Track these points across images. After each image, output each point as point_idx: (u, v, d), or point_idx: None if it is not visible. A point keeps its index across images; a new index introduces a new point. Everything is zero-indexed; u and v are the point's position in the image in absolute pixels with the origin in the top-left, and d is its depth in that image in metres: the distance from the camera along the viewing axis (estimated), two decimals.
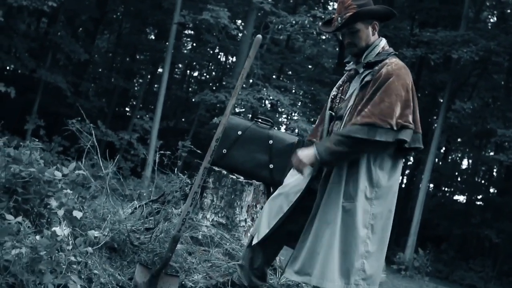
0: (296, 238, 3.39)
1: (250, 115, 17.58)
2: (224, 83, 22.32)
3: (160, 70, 24.25)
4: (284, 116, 24.85)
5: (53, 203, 3.26)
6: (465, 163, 29.17)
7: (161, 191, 4.57)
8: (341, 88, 3.36)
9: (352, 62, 3.35)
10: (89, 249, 2.91)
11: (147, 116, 19.99)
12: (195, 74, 30.31)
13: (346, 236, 3.05)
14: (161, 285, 3.20)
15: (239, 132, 4.22)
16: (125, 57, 25.53)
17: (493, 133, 18.78)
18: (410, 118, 3.08)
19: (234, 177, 4.18)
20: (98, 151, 4.43)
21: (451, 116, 18.71)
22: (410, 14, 22.59)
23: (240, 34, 19.37)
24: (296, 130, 18.53)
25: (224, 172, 4.19)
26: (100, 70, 25.11)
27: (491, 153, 25.03)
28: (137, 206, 4.37)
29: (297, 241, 3.40)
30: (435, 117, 22.55)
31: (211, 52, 27.18)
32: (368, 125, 2.98)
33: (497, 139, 18.51)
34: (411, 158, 24.16)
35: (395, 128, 3.01)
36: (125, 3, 22.48)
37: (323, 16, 17.53)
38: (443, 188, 27.89)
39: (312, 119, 21.35)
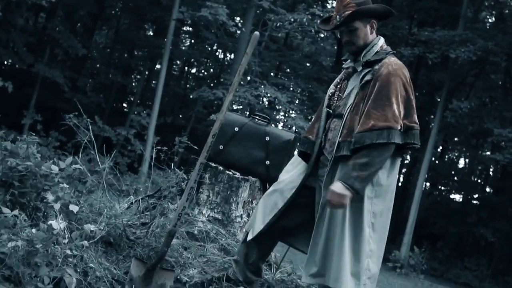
0: (290, 234, 3.41)
1: (247, 112, 17.58)
2: (222, 80, 22.32)
3: (158, 66, 24.25)
4: (282, 113, 24.88)
5: (50, 197, 3.27)
6: (461, 162, 29.27)
7: (157, 186, 4.59)
8: (338, 86, 3.36)
9: (349, 60, 3.36)
10: (85, 242, 2.92)
11: (144, 112, 20.00)
12: (193, 70, 30.32)
13: (354, 236, 3.07)
14: (156, 279, 3.22)
15: (236, 129, 4.24)
16: (123, 53, 25.51)
17: (490, 132, 18.83)
18: (415, 117, 3.12)
19: (230, 173, 4.20)
20: (95, 146, 4.44)
21: (448, 115, 18.75)
22: (409, 13, 22.62)
23: (238, 31, 19.37)
24: (294, 128, 18.55)
25: (221, 168, 4.21)
26: (98, 65, 25.08)
27: (488, 153, 25.09)
28: (133, 201, 4.38)
29: (291, 236, 3.42)
30: (432, 116, 22.57)
31: (209, 49, 27.17)
32: (387, 129, 2.99)
33: (494, 138, 18.56)
34: (408, 157, 24.21)
35: (403, 129, 3.06)
36: None
37: (321, 14, 17.54)
38: (440, 187, 27.96)
39: (310, 117, 21.37)
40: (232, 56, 23.16)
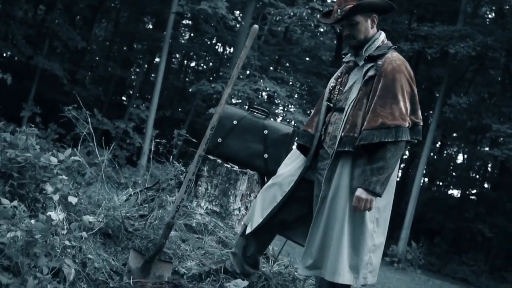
0: (288, 227, 3.43)
1: (246, 106, 17.59)
2: (221, 73, 22.31)
3: (157, 59, 24.22)
4: (281, 107, 24.88)
5: (49, 188, 3.28)
6: (460, 158, 29.29)
7: (156, 179, 4.60)
8: (339, 80, 3.36)
9: (350, 54, 3.36)
10: (84, 234, 2.93)
11: (143, 105, 19.99)
12: (192, 64, 30.29)
13: (354, 231, 3.08)
14: (154, 270, 3.24)
15: (235, 122, 4.25)
16: (122, 46, 25.48)
17: (488, 128, 18.86)
18: (420, 113, 3.15)
19: (228, 166, 4.21)
20: (94, 138, 4.46)
21: (446, 110, 18.76)
22: (409, 8, 22.59)
23: (238, 25, 19.34)
24: (293, 122, 18.56)
25: (219, 161, 4.23)
26: (97, 58, 25.05)
27: (486, 148, 25.13)
28: (132, 193, 4.40)
29: (290, 229, 3.44)
30: (431, 112, 22.59)
31: (209, 42, 27.14)
32: (395, 127, 3.00)
33: (492, 134, 18.60)
34: (407, 152, 24.23)
35: (410, 125, 3.08)
36: None
37: (321, 8, 17.52)
38: (438, 182, 28.01)
39: (309, 111, 21.36)
40: (232, 50, 23.13)
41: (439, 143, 27.00)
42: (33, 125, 4.02)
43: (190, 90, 23.65)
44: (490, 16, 24.16)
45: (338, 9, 3.20)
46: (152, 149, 4.61)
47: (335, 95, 3.32)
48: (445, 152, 29.10)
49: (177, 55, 28.46)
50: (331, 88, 3.37)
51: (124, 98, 27.18)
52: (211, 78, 23.91)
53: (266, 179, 4.31)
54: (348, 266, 3.08)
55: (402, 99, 3.06)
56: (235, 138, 4.23)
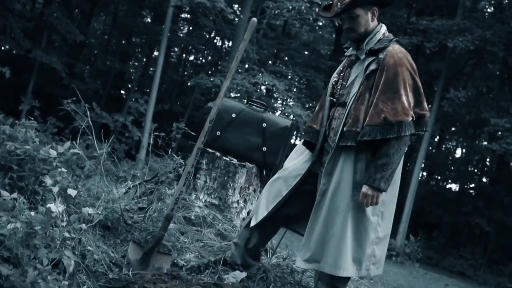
0: (293, 221, 3.45)
1: (245, 100, 17.58)
2: (219, 67, 22.29)
3: (155, 53, 24.19)
4: (279, 101, 24.87)
5: (48, 180, 3.29)
6: (458, 152, 29.32)
7: (155, 173, 4.62)
8: (341, 74, 3.36)
9: (351, 48, 3.35)
10: (83, 226, 2.95)
11: (142, 99, 19.97)
12: (191, 58, 30.24)
13: (357, 225, 3.10)
14: (153, 262, 3.26)
15: (233, 115, 4.26)
16: (121, 39, 25.42)
17: (487, 122, 18.88)
18: (425, 104, 3.14)
19: (227, 159, 4.23)
20: (93, 131, 4.47)
21: (445, 104, 18.78)
22: (408, 2, 22.55)
23: (236, 19, 19.31)
24: (291, 116, 18.56)
25: (218, 154, 4.24)
26: (95, 52, 24.99)
27: (484, 143, 25.16)
28: (131, 186, 4.42)
29: (295, 223, 3.46)
30: (429, 106, 22.59)
31: (207, 36, 27.09)
32: (397, 123, 3.01)
33: (490, 128, 18.62)
34: None
35: (414, 118, 3.08)
36: None
37: (320, 2, 17.50)
38: (436, 176, 28.04)
39: (307, 105, 21.38)
40: (230, 43, 23.09)
41: (438, 137, 27.02)
42: (32, 118, 4.03)
43: (188, 83, 23.65)
44: (489, 10, 24.14)
45: (338, 3, 3.19)
46: (151, 143, 4.62)
47: (338, 90, 3.32)
48: (443, 146, 29.13)
49: (176, 49, 28.41)
50: (333, 83, 3.37)
51: (122, 91, 27.14)
52: (209, 72, 23.87)
53: (264, 172, 4.34)
54: (351, 259, 3.10)
55: (405, 93, 3.05)
56: (233, 131, 4.24)
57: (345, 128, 3.13)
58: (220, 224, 4.03)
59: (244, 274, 3.39)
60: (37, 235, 2.65)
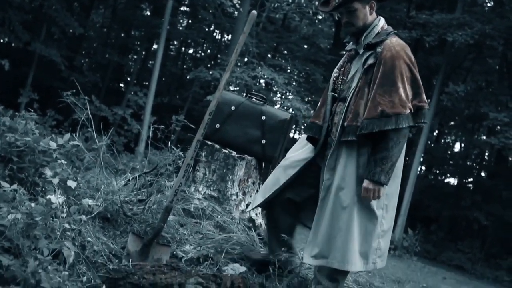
0: (300, 208, 3.50)
1: (244, 94, 17.58)
2: (219, 60, 22.26)
3: (155, 46, 24.16)
4: (278, 95, 24.86)
5: (48, 172, 3.31)
6: (457, 146, 29.34)
7: (154, 165, 4.63)
8: (342, 69, 3.37)
9: (351, 42, 3.36)
10: (83, 217, 2.97)
11: (141, 92, 19.96)
12: (190, 51, 30.20)
13: (363, 219, 3.12)
14: (153, 254, 3.28)
15: (233, 107, 4.28)
16: (120, 32, 25.37)
17: (486, 116, 18.88)
18: (424, 96, 3.15)
19: (226, 151, 4.24)
20: (93, 124, 4.48)
21: (444, 98, 18.77)
22: None
23: (236, 12, 19.28)
24: (290, 110, 18.56)
25: (217, 146, 4.25)
26: (94, 45, 24.94)
27: (483, 137, 25.18)
28: (130, 178, 4.43)
29: (302, 212, 3.51)
30: (428, 100, 22.60)
31: (207, 29, 27.04)
32: (395, 115, 3.01)
33: (489, 122, 18.64)
34: None
35: (412, 111, 3.09)
36: None
37: None
38: (435, 170, 28.07)
39: (306, 99, 21.38)
40: (230, 37, 23.07)
41: (436, 131, 27.04)
42: (31, 110, 4.04)
43: (188, 77, 23.64)
44: (488, 4, 24.10)
45: None
46: (150, 136, 4.63)
47: (339, 85, 3.34)
48: (442, 140, 29.15)
49: (175, 42, 28.37)
50: (334, 78, 3.38)
51: (122, 84, 27.11)
52: (209, 65, 23.85)
53: (263, 165, 4.36)
54: (359, 253, 3.12)
55: (402, 85, 3.06)
56: (233, 124, 4.26)
57: (345, 123, 3.14)
58: (219, 216, 4.04)
59: (244, 268, 3.42)
60: (37, 226, 2.67)
